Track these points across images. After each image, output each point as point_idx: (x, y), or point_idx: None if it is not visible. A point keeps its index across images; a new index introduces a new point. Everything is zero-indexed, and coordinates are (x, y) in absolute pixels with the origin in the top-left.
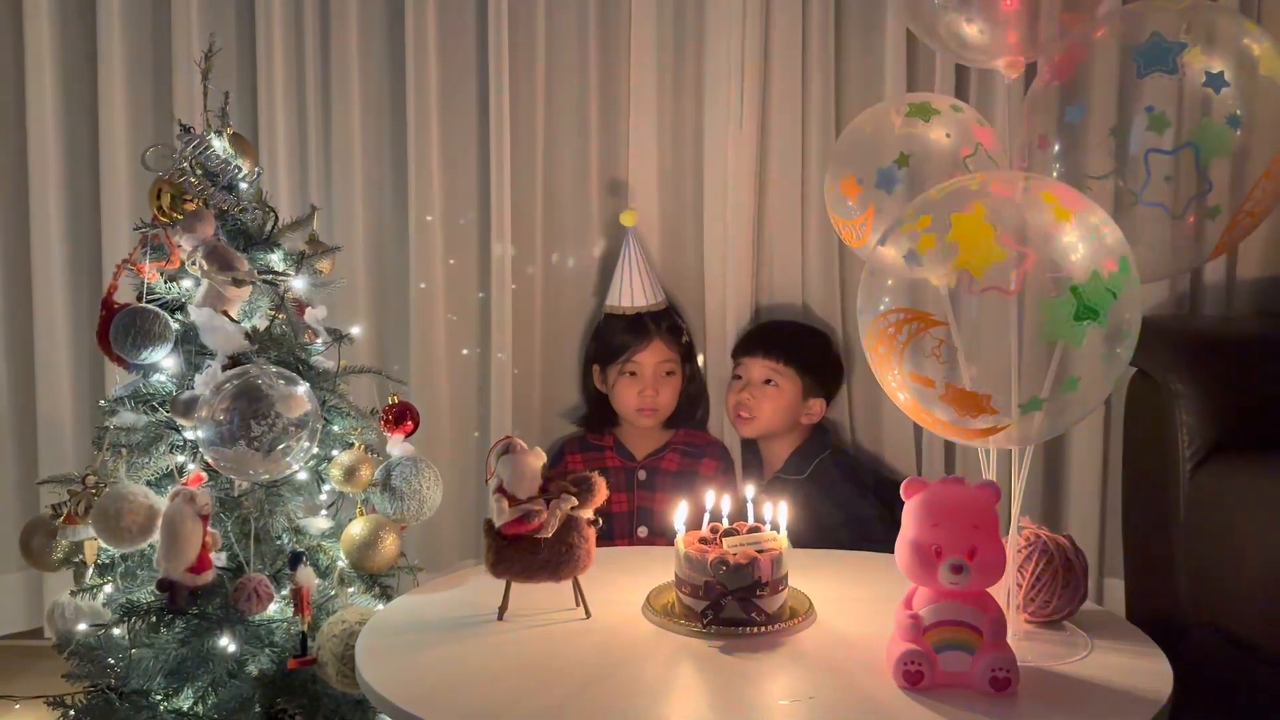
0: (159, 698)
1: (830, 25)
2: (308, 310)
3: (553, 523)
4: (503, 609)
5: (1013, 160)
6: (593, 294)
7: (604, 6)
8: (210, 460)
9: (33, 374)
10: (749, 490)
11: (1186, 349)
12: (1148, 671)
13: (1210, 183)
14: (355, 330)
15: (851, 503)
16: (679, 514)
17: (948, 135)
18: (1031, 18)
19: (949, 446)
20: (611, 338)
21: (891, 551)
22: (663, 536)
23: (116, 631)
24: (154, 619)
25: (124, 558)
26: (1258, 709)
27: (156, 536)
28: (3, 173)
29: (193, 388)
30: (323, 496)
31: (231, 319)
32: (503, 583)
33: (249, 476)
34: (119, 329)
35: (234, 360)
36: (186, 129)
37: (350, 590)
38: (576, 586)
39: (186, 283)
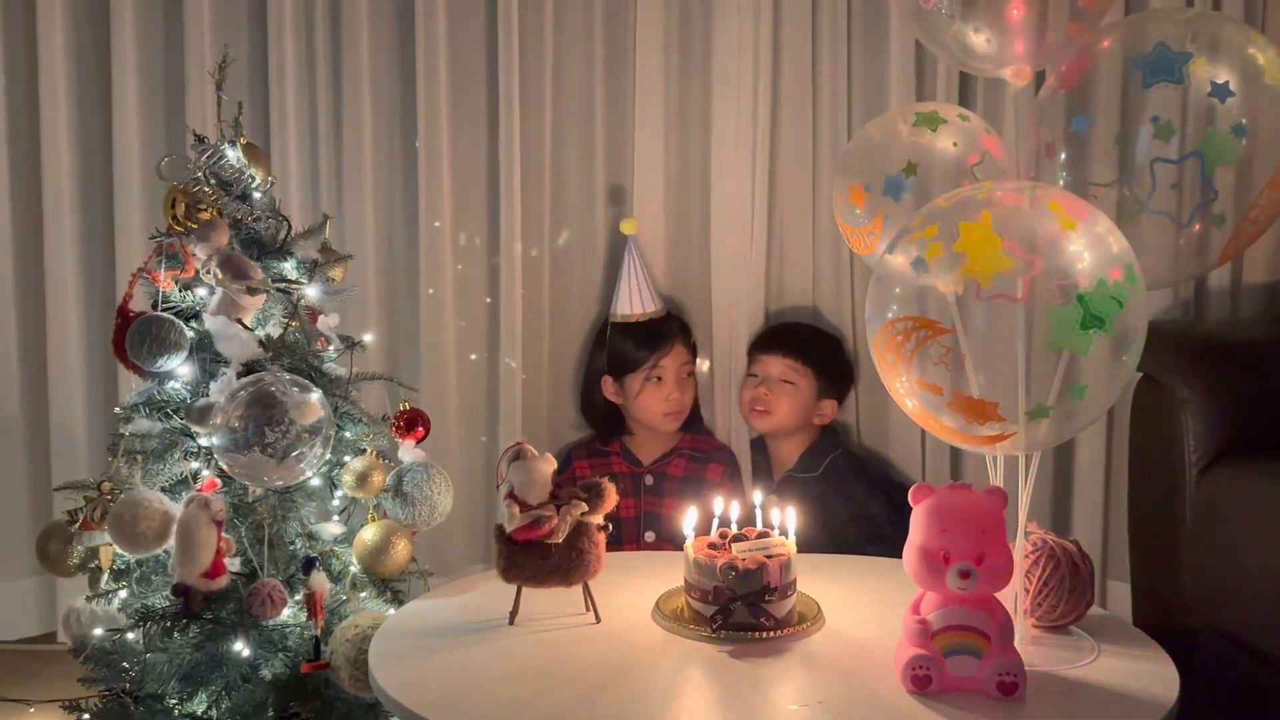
0: (173, 702)
1: (840, 33)
2: (320, 318)
3: (563, 528)
4: (514, 614)
5: (1020, 169)
6: (598, 301)
7: (610, 19)
8: (225, 466)
9: (46, 381)
10: (757, 496)
11: (1192, 354)
12: (1154, 676)
13: (1215, 191)
14: (368, 337)
15: (862, 501)
16: (688, 519)
17: (955, 144)
18: (1039, 27)
19: (954, 450)
20: (630, 346)
21: (900, 552)
22: (670, 542)
23: (131, 636)
24: (169, 624)
25: (139, 563)
26: (1264, 713)
27: (171, 542)
28: (17, 182)
29: (207, 395)
30: (335, 502)
31: (245, 327)
32: (513, 588)
33: (263, 483)
34: (135, 337)
35: (248, 368)
36: (200, 139)
37: (362, 595)
38: (587, 591)
39: (201, 291)
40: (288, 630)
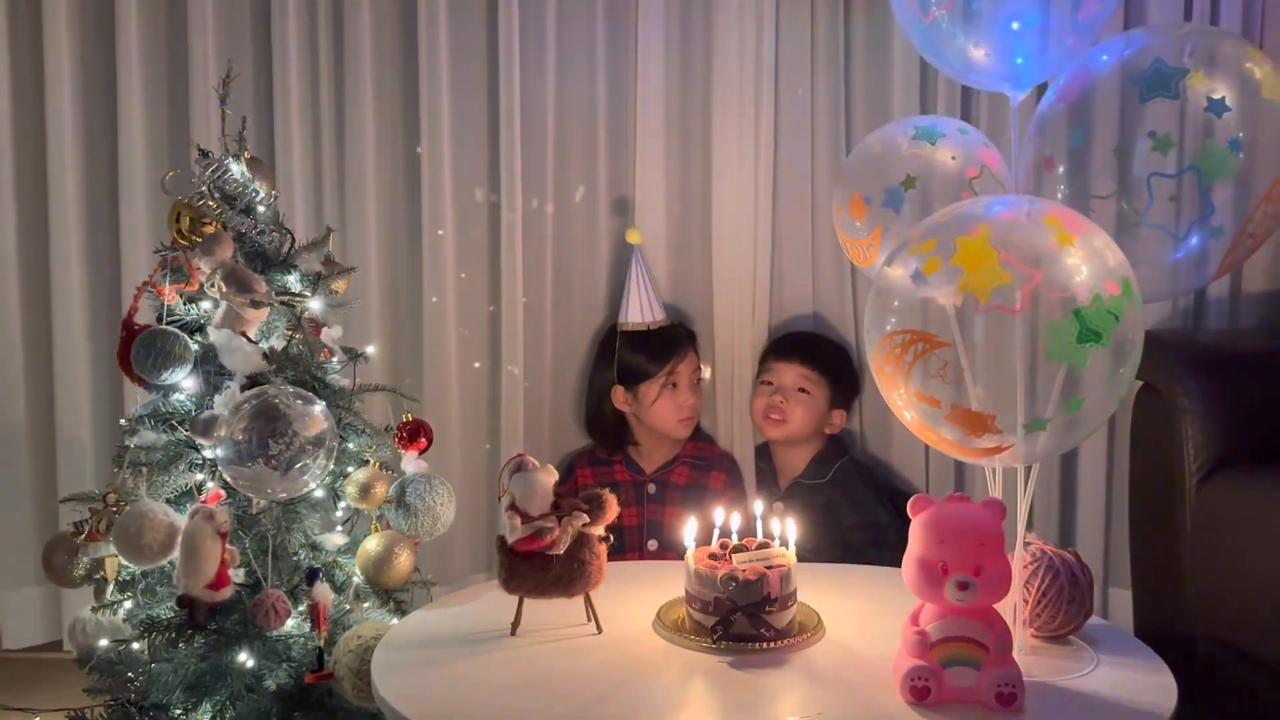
0: (178, 712)
1: (840, 45)
2: (323, 330)
3: (565, 540)
4: (515, 624)
5: (1018, 182)
6: (601, 308)
7: (612, 28)
8: (229, 478)
9: (52, 393)
10: (758, 506)
11: (1192, 363)
12: (1153, 685)
13: (1213, 205)
14: (370, 349)
15: (869, 507)
16: (689, 530)
17: (953, 158)
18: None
19: (957, 460)
20: (644, 355)
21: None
22: (673, 550)
23: (136, 646)
24: (173, 634)
25: (144, 574)
26: None
27: (176, 553)
28: (23, 196)
29: (212, 407)
30: (338, 513)
31: (249, 340)
32: (515, 598)
33: (266, 494)
34: (140, 350)
35: (252, 380)
36: (205, 153)
37: (365, 605)
38: (588, 602)
39: (205, 304)
40: (291, 641)
